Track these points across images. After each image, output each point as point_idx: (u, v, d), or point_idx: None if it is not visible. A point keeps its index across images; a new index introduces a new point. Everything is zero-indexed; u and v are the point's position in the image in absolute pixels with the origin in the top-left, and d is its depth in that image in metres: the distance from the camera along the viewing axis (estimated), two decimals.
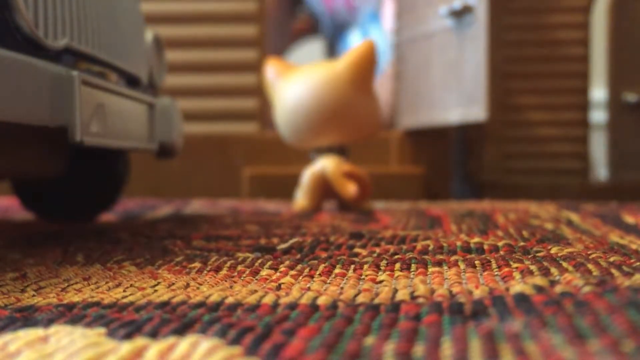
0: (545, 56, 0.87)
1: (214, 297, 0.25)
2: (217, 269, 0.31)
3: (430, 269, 0.30)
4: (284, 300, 0.24)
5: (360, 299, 0.24)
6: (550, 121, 0.87)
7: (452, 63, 0.79)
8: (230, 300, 0.24)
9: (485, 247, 0.36)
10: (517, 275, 0.27)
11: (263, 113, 0.92)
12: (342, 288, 0.26)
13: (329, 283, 0.27)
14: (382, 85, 0.95)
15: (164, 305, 0.24)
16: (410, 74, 0.89)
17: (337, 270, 0.30)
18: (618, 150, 0.85)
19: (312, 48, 1.31)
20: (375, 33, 1.19)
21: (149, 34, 0.50)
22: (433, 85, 0.83)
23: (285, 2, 1.26)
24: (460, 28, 0.78)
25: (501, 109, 0.86)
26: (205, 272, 0.30)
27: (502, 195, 0.84)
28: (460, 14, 0.77)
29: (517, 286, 0.25)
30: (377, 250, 0.36)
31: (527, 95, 0.88)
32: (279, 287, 0.27)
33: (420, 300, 0.24)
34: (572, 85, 0.87)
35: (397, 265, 0.31)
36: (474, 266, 0.30)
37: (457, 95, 0.79)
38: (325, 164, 0.61)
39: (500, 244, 0.36)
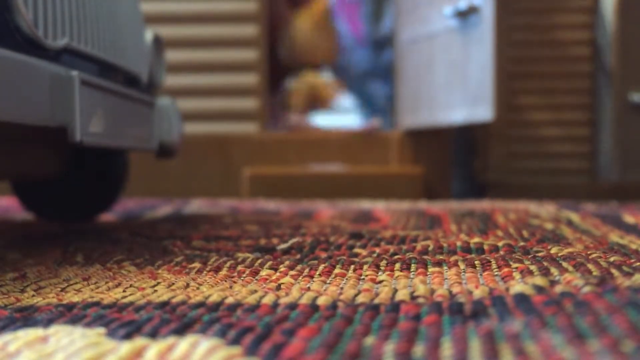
0: (550, 56, 0.87)
1: (214, 297, 0.24)
2: (217, 269, 0.31)
3: (430, 269, 0.30)
4: (284, 300, 0.24)
5: (360, 299, 0.24)
6: (555, 121, 0.88)
7: (457, 63, 0.79)
8: (230, 300, 0.24)
9: (485, 247, 0.35)
10: (517, 275, 0.27)
11: (263, 113, 0.92)
12: (342, 288, 0.26)
13: (329, 283, 0.27)
14: None
15: (163, 305, 0.24)
16: (410, 74, 0.89)
17: (337, 271, 0.30)
18: (624, 150, 0.85)
19: None
20: None
21: (149, 34, 0.50)
22: (436, 85, 0.83)
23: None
24: (466, 28, 0.77)
25: (506, 109, 0.86)
26: (205, 272, 0.30)
27: (506, 195, 0.84)
28: (466, 14, 0.77)
29: (517, 286, 0.25)
30: (377, 250, 0.36)
31: (532, 95, 0.88)
32: (278, 287, 0.27)
33: (420, 300, 0.24)
34: (577, 85, 0.87)
35: (397, 265, 0.31)
36: (474, 266, 0.30)
37: (461, 95, 0.78)
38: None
39: (500, 244, 0.36)
